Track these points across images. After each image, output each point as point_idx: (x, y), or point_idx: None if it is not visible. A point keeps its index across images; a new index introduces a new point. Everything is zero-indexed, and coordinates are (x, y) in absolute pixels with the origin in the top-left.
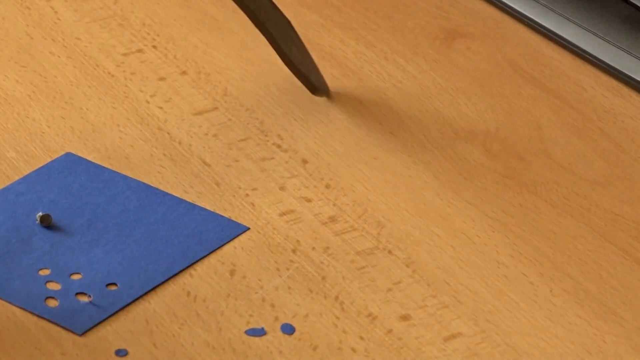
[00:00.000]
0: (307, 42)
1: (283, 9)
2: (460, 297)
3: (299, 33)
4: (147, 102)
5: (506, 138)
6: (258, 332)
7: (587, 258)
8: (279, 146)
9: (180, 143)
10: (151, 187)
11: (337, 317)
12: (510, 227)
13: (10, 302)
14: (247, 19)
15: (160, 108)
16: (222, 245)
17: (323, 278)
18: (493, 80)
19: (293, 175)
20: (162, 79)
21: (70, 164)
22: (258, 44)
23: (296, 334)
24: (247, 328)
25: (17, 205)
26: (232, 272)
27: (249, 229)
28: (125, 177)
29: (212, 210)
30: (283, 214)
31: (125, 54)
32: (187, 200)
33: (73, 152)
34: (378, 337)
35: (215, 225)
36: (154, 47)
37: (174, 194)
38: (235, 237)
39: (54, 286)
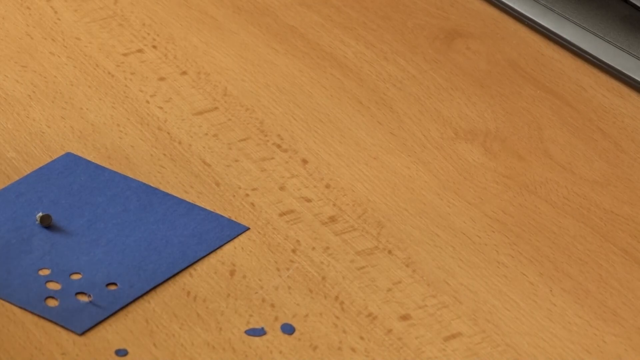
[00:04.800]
0: (307, 42)
1: (283, 9)
2: (460, 297)
3: (299, 32)
4: (147, 102)
5: (506, 138)
6: (258, 332)
7: (587, 258)
8: (279, 146)
9: (180, 143)
10: (151, 187)
11: (337, 317)
12: (510, 227)
13: (10, 302)
14: (247, 19)
15: (160, 108)
16: (222, 245)
17: (323, 278)
18: (493, 80)
19: (293, 175)
20: (162, 79)
21: (70, 164)
22: (258, 44)
23: (296, 334)
24: (247, 328)
25: (17, 205)
26: (232, 272)
27: (249, 229)
28: (125, 177)
29: (212, 210)
30: (283, 214)
31: (125, 54)
32: (187, 200)
33: (73, 152)
34: (378, 337)
35: (215, 225)
36: (154, 47)
37: (174, 194)
38: (235, 237)
39: (54, 286)
